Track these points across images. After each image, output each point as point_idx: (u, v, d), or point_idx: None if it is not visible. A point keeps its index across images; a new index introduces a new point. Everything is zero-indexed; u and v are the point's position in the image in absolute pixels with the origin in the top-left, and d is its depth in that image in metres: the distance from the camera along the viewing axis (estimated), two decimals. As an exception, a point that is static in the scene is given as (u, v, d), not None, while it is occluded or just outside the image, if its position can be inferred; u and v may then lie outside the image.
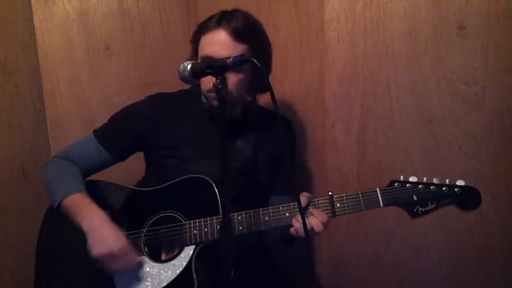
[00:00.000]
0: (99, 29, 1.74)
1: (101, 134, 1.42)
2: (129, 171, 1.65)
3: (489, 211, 1.47)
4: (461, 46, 1.43)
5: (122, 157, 1.45)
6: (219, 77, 1.04)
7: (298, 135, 1.74)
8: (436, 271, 1.58)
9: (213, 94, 1.30)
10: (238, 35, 1.28)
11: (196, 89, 1.40)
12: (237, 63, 1.02)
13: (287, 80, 1.74)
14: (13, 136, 1.58)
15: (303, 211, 1.11)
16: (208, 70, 1.07)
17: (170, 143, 1.38)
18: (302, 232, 1.20)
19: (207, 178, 1.28)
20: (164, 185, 1.33)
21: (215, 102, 1.31)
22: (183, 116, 1.41)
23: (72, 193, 1.29)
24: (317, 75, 1.68)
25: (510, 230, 1.46)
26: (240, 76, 1.30)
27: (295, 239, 1.27)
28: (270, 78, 1.00)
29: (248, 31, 1.31)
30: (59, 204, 1.29)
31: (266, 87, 1.02)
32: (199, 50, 1.32)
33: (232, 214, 1.25)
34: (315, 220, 1.20)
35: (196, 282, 1.23)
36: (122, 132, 1.42)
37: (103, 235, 1.22)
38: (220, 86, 1.03)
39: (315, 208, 1.22)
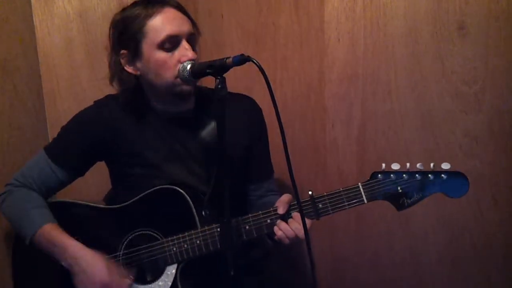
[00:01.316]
0: (99, 29, 1.73)
1: (52, 150, 1.32)
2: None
3: (489, 211, 1.47)
4: (461, 46, 1.43)
5: (79, 172, 1.36)
6: (219, 77, 1.04)
7: (298, 135, 1.74)
8: (436, 271, 1.58)
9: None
10: (183, 10, 1.25)
11: (140, 93, 1.31)
12: (237, 63, 1.02)
13: (287, 80, 1.74)
14: (13, 136, 1.58)
15: (304, 216, 1.08)
16: (208, 70, 1.06)
17: (131, 148, 1.30)
18: (285, 241, 1.16)
19: (178, 189, 1.21)
20: (133, 200, 1.26)
21: (186, 88, 1.22)
22: (138, 118, 1.31)
23: (38, 228, 1.23)
24: (317, 75, 1.68)
25: (510, 230, 1.46)
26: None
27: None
28: (270, 78, 1.00)
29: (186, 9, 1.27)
30: (31, 242, 1.24)
31: (267, 87, 1.01)
32: (153, 37, 1.20)
33: (210, 227, 1.20)
34: (298, 227, 1.14)
35: None
36: (73, 144, 1.32)
37: (85, 271, 1.18)
38: (220, 86, 1.03)
39: (297, 212, 1.16)
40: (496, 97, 1.41)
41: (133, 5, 1.25)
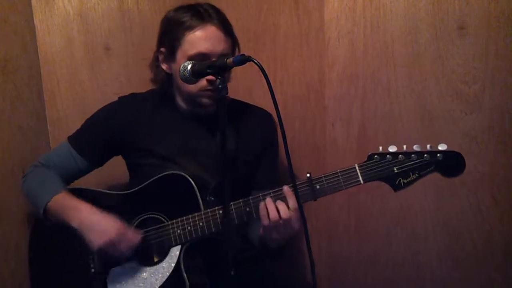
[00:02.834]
0: (99, 29, 1.73)
1: (75, 140, 1.41)
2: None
3: (489, 210, 1.47)
4: (461, 46, 1.43)
5: (99, 163, 1.44)
6: (219, 77, 1.04)
7: (298, 135, 1.74)
8: (436, 270, 1.58)
9: (208, 93, 1.28)
10: (226, 29, 1.29)
11: (168, 89, 1.39)
12: (238, 63, 1.02)
13: (287, 80, 1.74)
14: (13, 136, 1.58)
15: (302, 207, 1.09)
16: (208, 70, 1.07)
17: (145, 142, 1.36)
18: (265, 222, 1.16)
19: (183, 174, 1.26)
20: (141, 186, 1.32)
21: (206, 101, 1.30)
22: (156, 115, 1.39)
23: (53, 196, 1.30)
24: (317, 75, 1.68)
25: (510, 230, 1.46)
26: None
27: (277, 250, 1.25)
28: (270, 78, 1.00)
29: (230, 25, 1.32)
30: (45, 211, 1.30)
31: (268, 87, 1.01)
32: (186, 49, 1.26)
33: (214, 209, 1.24)
34: (283, 208, 1.14)
35: (187, 282, 1.23)
36: (96, 137, 1.40)
37: (95, 226, 1.23)
38: (220, 86, 1.03)
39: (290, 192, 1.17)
40: (496, 97, 1.41)
41: (185, 9, 1.30)
